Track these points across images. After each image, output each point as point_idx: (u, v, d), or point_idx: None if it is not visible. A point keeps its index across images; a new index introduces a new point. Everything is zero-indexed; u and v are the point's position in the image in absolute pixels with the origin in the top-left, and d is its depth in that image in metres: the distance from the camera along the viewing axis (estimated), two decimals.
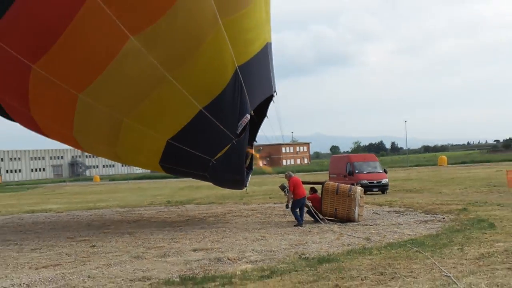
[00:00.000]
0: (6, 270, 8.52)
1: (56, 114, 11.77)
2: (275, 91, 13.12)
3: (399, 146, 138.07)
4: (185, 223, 14.18)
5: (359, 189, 13.50)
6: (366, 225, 12.47)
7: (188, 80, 10.85)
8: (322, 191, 13.48)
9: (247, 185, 13.69)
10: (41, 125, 12.63)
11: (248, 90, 11.63)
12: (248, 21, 11.27)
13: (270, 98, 13.15)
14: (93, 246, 10.70)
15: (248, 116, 11.79)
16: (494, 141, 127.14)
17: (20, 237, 12.81)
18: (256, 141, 13.54)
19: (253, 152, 13.39)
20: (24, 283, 7.33)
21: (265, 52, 12.12)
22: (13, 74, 10.69)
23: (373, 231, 11.36)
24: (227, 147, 11.94)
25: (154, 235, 11.97)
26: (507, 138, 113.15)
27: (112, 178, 79.24)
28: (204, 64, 10.88)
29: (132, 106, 11.08)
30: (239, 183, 13.26)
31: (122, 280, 7.29)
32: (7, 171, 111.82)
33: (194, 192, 29.30)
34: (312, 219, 13.12)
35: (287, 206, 13.51)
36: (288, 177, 13.29)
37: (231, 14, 10.79)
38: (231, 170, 12.45)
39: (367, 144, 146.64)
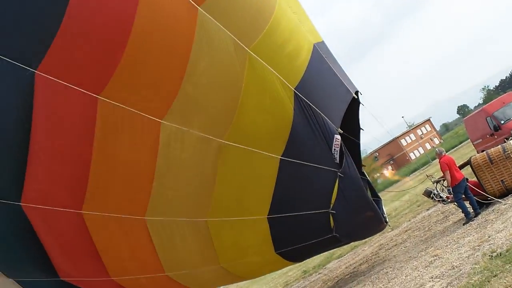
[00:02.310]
0: None
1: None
2: (356, 92, 13.22)
3: None
4: (337, 286, 14.19)
5: None
6: None
7: (248, 138, 11.01)
8: (474, 171, 13.23)
9: (387, 218, 13.74)
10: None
11: (320, 108, 11.69)
12: (279, 33, 11.44)
13: (354, 102, 13.21)
14: None
15: (338, 136, 11.81)
16: None
17: None
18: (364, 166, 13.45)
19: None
20: None
21: (318, 56, 12.24)
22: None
23: None
24: (336, 184, 11.91)
25: None
26: None
27: None
28: (256, 111, 11.05)
29: (204, 203, 11.23)
30: (375, 220, 13.11)
31: None
32: None
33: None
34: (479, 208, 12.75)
35: (443, 201, 13.39)
36: (439, 156, 13.57)
37: (256, 36, 10.99)
38: (357, 209, 12.42)
39: (497, 83, 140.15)
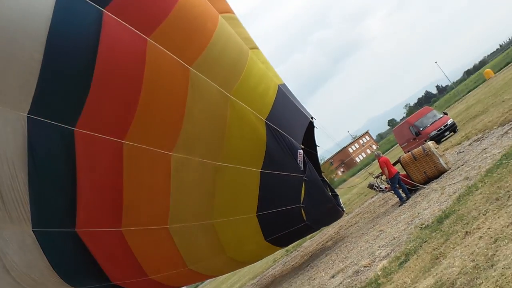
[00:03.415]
0: None
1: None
2: (311, 117, 13.25)
3: (443, 85, 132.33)
4: (311, 258, 14.15)
5: (430, 143, 13.73)
6: (458, 167, 12.31)
7: (235, 159, 10.96)
8: (403, 166, 13.43)
9: (343, 207, 13.76)
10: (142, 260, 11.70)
11: (287, 131, 11.72)
12: (251, 79, 11.47)
13: (310, 125, 13.27)
14: None
15: (300, 151, 11.86)
16: None
17: None
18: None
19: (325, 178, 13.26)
20: None
21: (282, 93, 12.25)
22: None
23: (467, 168, 11.16)
24: (303, 186, 11.93)
25: (293, 285, 12.00)
26: None
27: None
28: (239, 139, 11.03)
29: (209, 210, 11.18)
30: (335, 210, 13.22)
31: None
32: None
33: None
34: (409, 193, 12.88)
35: (382, 190, 13.59)
36: (377, 157, 13.80)
37: (234, 83, 11.00)
38: (320, 202, 12.45)
39: (415, 101, 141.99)
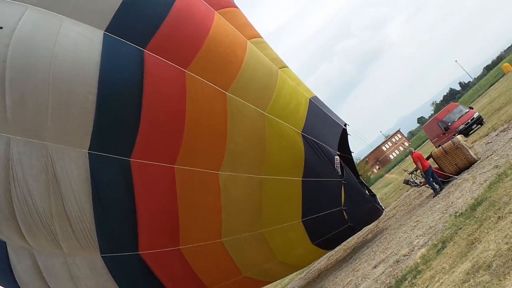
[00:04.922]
0: None
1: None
2: (344, 125, 13.07)
3: (465, 82, 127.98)
4: (354, 251, 13.89)
5: (459, 137, 13.51)
6: (487, 157, 12.02)
7: (277, 170, 10.87)
8: (435, 160, 13.22)
9: (383, 206, 13.57)
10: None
11: (322, 140, 11.60)
12: (283, 98, 11.36)
13: (344, 131, 13.08)
14: None
15: (337, 157, 11.72)
16: None
17: None
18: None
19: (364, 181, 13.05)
20: None
21: (313, 106, 12.12)
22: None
23: (496, 157, 10.87)
24: (342, 189, 11.77)
25: (338, 277, 11.79)
26: None
27: None
28: (279, 153, 10.93)
29: (257, 220, 11.02)
30: (374, 209, 12.98)
31: None
32: None
33: None
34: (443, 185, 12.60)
35: (417, 185, 13.28)
36: (410, 153, 13.67)
37: (268, 102, 10.97)
38: (360, 203, 12.25)
39: (441, 98, 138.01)
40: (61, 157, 9.40)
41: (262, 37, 12.45)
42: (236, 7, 12.37)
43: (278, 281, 16.72)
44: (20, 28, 9.20)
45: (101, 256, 10.26)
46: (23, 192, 9.54)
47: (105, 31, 9.52)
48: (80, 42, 9.32)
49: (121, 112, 9.46)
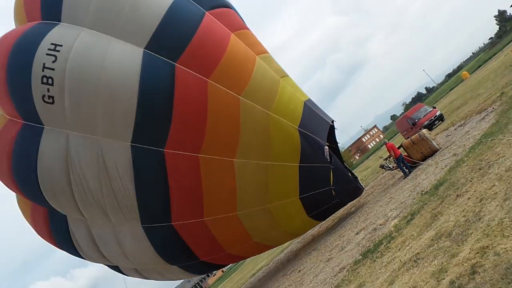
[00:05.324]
0: None
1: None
2: (332, 121, 13.01)
3: (430, 87, 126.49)
4: (340, 221, 13.73)
5: (424, 130, 13.33)
6: (447, 147, 11.88)
7: (279, 158, 10.89)
8: (405, 149, 13.23)
9: (363, 186, 13.60)
10: (220, 238, 11.41)
11: (314, 133, 11.57)
12: (283, 101, 11.32)
13: (331, 127, 13.07)
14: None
15: (326, 147, 11.72)
16: (489, 38, 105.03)
17: None
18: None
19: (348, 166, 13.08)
20: None
21: (307, 107, 12.03)
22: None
23: (455, 147, 10.77)
24: (331, 173, 11.82)
25: (328, 241, 11.72)
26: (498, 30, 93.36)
27: None
28: (280, 144, 10.93)
29: (265, 197, 11.00)
30: (356, 188, 13.02)
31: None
32: None
33: None
34: (411, 169, 12.67)
35: (390, 169, 13.32)
36: (385, 144, 13.70)
37: (272, 104, 10.95)
38: (345, 183, 12.30)
39: (410, 100, 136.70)
40: (109, 148, 9.55)
41: (268, 52, 12.40)
42: (247, 29, 12.33)
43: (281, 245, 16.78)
44: (76, 46, 9.36)
45: (142, 226, 10.44)
46: (79, 176, 9.72)
47: (144, 48, 9.64)
48: (124, 58, 9.45)
49: (156, 112, 9.53)
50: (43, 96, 9.22)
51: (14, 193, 11.53)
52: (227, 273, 66.31)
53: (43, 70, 9.15)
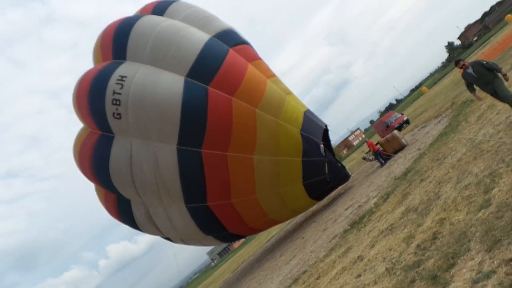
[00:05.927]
0: None
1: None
2: (325, 126, 12.82)
3: (399, 98, 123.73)
4: (333, 200, 13.18)
5: (395, 131, 13.07)
6: (412, 144, 11.67)
7: (285, 154, 10.75)
8: (381, 145, 13.05)
9: (350, 173, 13.38)
10: (245, 217, 11.17)
11: (312, 135, 11.42)
12: (288, 112, 11.17)
13: (326, 130, 12.87)
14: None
15: (322, 145, 11.57)
16: (442, 62, 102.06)
17: None
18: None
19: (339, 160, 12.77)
20: None
21: (306, 116, 11.82)
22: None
23: (418, 144, 10.52)
24: (326, 165, 11.70)
25: (324, 215, 11.42)
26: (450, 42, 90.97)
27: None
28: (287, 144, 10.75)
29: (276, 184, 10.79)
30: (345, 176, 12.79)
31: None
32: None
33: None
34: (386, 160, 12.38)
35: (370, 160, 13.11)
36: (366, 142, 13.83)
37: (280, 114, 10.85)
38: (336, 171, 12.13)
39: (384, 108, 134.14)
40: (161, 150, 9.66)
41: (276, 76, 12.24)
42: (261, 59, 12.19)
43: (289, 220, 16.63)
44: (137, 77, 9.55)
45: (186, 206, 10.50)
46: (139, 171, 9.85)
47: (185, 77, 9.74)
48: (170, 84, 9.56)
49: (195, 123, 9.58)
50: (113, 113, 9.49)
51: (93, 184, 11.75)
52: (248, 240, 66.35)
53: (113, 95, 9.42)
